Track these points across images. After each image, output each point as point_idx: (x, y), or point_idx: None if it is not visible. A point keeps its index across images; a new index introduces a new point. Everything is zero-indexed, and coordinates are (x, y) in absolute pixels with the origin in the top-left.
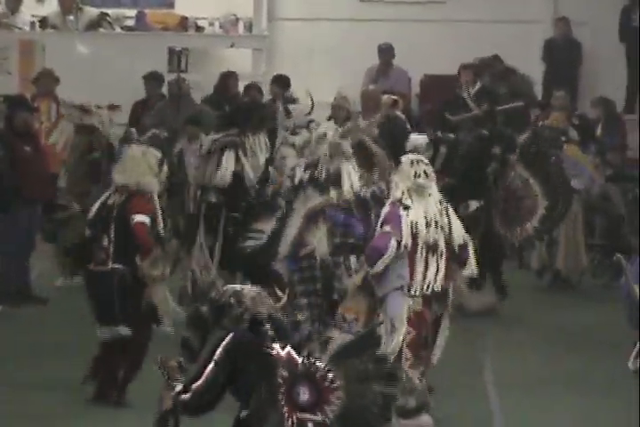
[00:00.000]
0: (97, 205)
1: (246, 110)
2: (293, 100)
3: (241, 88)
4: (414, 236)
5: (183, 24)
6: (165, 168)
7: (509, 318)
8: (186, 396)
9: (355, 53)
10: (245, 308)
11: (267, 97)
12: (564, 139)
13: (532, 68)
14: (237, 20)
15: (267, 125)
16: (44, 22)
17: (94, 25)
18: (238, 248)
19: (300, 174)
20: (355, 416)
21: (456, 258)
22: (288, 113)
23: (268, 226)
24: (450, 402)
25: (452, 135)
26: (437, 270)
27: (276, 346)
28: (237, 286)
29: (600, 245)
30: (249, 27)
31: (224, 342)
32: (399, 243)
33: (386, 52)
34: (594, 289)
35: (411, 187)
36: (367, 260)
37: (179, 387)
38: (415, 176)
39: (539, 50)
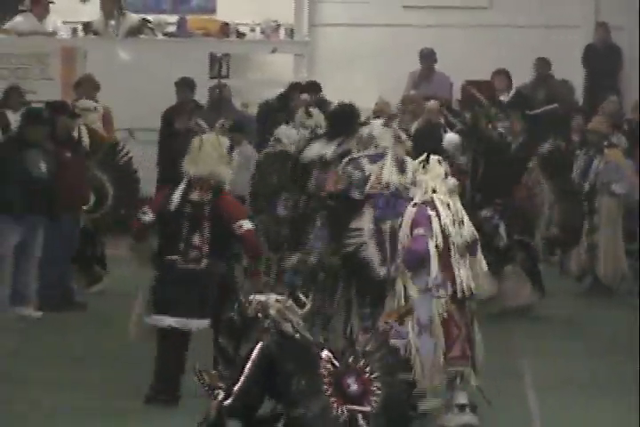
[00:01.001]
0: (176, 199)
1: (347, 117)
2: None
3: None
4: (445, 236)
5: (224, 30)
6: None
7: (549, 322)
8: (228, 401)
9: (396, 59)
10: (272, 320)
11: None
12: (605, 143)
13: (574, 73)
14: (278, 25)
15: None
16: (86, 28)
17: (135, 31)
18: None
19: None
20: (390, 405)
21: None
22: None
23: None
24: (488, 405)
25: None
26: (467, 270)
27: (314, 346)
28: (263, 297)
29: None
30: (290, 32)
31: (257, 347)
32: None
33: (428, 57)
34: (633, 294)
35: (445, 186)
36: (406, 264)
37: (221, 395)
38: (445, 175)
39: (580, 55)
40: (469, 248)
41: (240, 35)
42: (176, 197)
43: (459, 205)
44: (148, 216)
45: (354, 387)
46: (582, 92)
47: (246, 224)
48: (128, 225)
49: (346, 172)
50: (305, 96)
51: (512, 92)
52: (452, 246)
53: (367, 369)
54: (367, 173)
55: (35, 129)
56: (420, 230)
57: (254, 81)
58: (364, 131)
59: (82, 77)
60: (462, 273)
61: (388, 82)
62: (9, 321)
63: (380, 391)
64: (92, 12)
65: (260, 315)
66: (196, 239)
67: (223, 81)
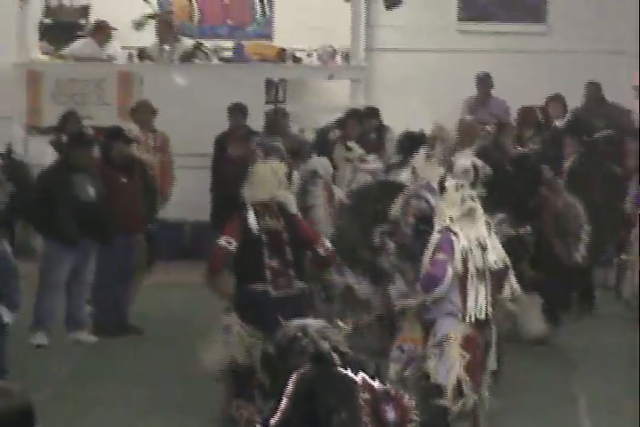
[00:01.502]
0: (254, 226)
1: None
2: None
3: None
4: (465, 261)
5: (281, 55)
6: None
7: (605, 347)
8: None
9: (452, 84)
10: (311, 340)
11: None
12: None
13: (631, 98)
14: (335, 51)
15: None
16: (141, 53)
17: (189, 56)
18: None
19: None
20: None
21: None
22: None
23: None
24: None
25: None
26: (486, 294)
27: (349, 372)
28: (302, 321)
29: None
30: (346, 58)
31: (293, 378)
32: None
33: (484, 82)
34: None
35: (459, 212)
36: (423, 287)
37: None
38: (462, 200)
39: None
40: (497, 274)
41: (297, 60)
42: (253, 224)
43: (482, 230)
44: (232, 245)
45: (391, 414)
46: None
47: (327, 243)
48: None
49: (412, 203)
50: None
51: (567, 116)
52: (471, 270)
53: (404, 395)
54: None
55: (80, 153)
56: (441, 255)
57: (310, 106)
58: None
59: (138, 103)
60: (480, 297)
61: (444, 107)
62: (65, 346)
63: (417, 418)
64: (149, 38)
65: (299, 335)
66: (281, 265)
67: (280, 106)
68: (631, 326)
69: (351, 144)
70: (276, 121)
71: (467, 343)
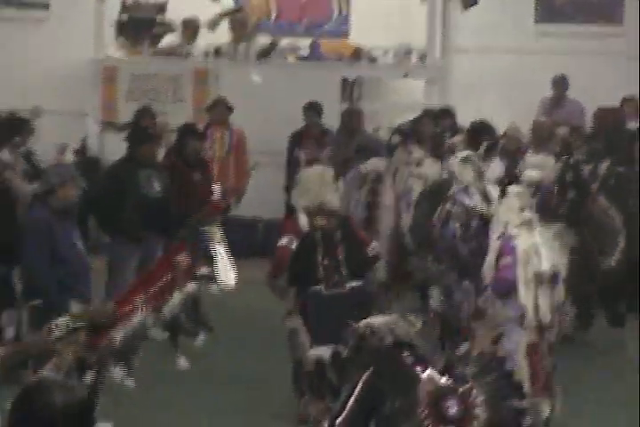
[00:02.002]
0: (304, 226)
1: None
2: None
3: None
4: (526, 266)
5: (357, 54)
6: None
7: None
8: None
9: (528, 85)
10: (381, 337)
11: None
12: None
13: None
14: (411, 50)
15: None
16: (217, 51)
17: (264, 54)
18: None
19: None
20: None
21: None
22: None
23: None
24: None
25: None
26: (548, 300)
27: (417, 368)
28: (370, 319)
29: None
30: (422, 57)
31: (363, 377)
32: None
33: (560, 83)
34: None
35: (519, 220)
36: (496, 292)
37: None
38: (521, 209)
39: None
40: (552, 278)
41: (372, 59)
42: (305, 224)
43: (536, 237)
44: (294, 244)
45: (453, 410)
46: None
47: (377, 247)
48: (276, 255)
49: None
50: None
51: None
52: (531, 275)
53: (472, 392)
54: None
55: (145, 148)
56: (507, 259)
57: (385, 105)
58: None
59: (215, 100)
60: (542, 303)
61: (520, 108)
62: None
63: (482, 416)
64: (225, 35)
65: (368, 332)
66: (333, 264)
67: (354, 105)
68: None
69: (413, 147)
70: (351, 120)
71: (532, 351)
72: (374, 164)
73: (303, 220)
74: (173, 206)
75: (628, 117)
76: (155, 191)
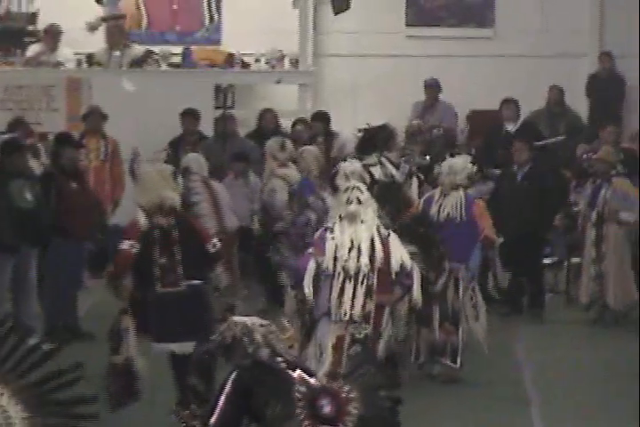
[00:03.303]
0: (145, 226)
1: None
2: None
3: (287, 124)
4: (335, 260)
5: (229, 60)
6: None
7: (556, 352)
8: None
9: (401, 89)
10: (257, 345)
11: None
12: (613, 172)
13: (580, 102)
14: (283, 56)
15: None
16: (89, 59)
17: (140, 62)
18: None
19: None
20: (370, 424)
21: (397, 284)
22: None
23: None
24: None
25: (497, 171)
26: (354, 297)
27: (290, 371)
28: (248, 320)
29: None
30: (295, 62)
31: (231, 377)
32: (320, 265)
33: (432, 87)
34: None
35: (344, 213)
36: (291, 281)
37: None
38: (347, 202)
39: (585, 84)
40: (399, 279)
41: (245, 65)
42: (144, 224)
43: (361, 232)
44: (135, 248)
45: (327, 409)
46: (586, 121)
47: (217, 243)
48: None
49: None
50: (299, 128)
51: (520, 121)
52: (338, 270)
53: (344, 389)
54: None
55: (13, 159)
56: (310, 249)
57: (259, 111)
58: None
59: (89, 109)
60: (346, 298)
61: (392, 112)
62: None
63: (356, 411)
64: (98, 44)
65: (244, 339)
66: (170, 263)
67: (228, 111)
68: (586, 328)
69: (287, 144)
70: (225, 126)
71: (337, 344)
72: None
73: (142, 218)
74: (46, 217)
75: (506, 119)
76: (27, 201)
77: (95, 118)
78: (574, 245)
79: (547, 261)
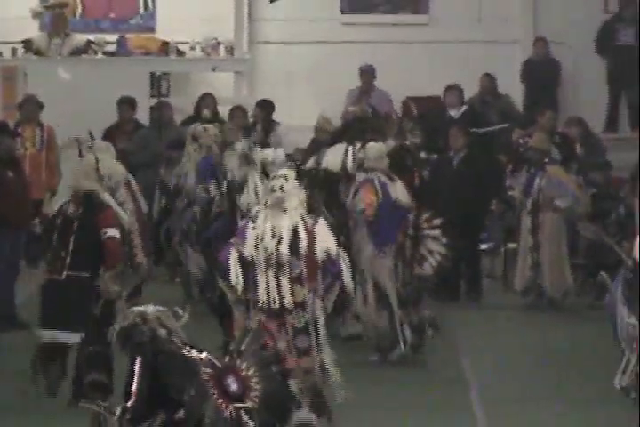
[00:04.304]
0: (51, 212)
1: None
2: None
3: (224, 111)
4: (256, 249)
5: (164, 49)
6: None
7: (494, 337)
8: (127, 414)
9: (336, 76)
10: (150, 327)
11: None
12: (547, 160)
13: (514, 88)
14: (219, 43)
15: None
16: (27, 45)
17: (80, 51)
18: None
19: None
20: (272, 398)
21: (325, 272)
22: (268, 134)
23: None
24: (435, 419)
25: (435, 156)
26: (279, 285)
27: (193, 351)
28: (142, 308)
29: (584, 265)
30: (230, 50)
31: (138, 361)
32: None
33: (367, 73)
34: (578, 308)
35: (269, 201)
36: (217, 272)
37: (118, 410)
38: (272, 191)
39: (520, 70)
40: (326, 266)
41: (180, 53)
42: (52, 210)
43: (283, 220)
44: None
45: (234, 386)
46: (521, 107)
47: (111, 232)
48: None
49: None
50: (237, 114)
51: (463, 108)
52: (261, 258)
53: (244, 366)
54: None
55: None
56: (232, 239)
57: (194, 99)
58: None
59: (25, 98)
60: (271, 286)
61: (329, 98)
62: None
63: (258, 386)
64: (34, 33)
65: (138, 321)
66: (62, 251)
67: (164, 99)
68: (522, 314)
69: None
70: (161, 114)
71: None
72: None
73: (56, 204)
74: None
75: (449, 105)
76: None
77: (31, 107)
78: (510, 230)
79: (483, 246)
